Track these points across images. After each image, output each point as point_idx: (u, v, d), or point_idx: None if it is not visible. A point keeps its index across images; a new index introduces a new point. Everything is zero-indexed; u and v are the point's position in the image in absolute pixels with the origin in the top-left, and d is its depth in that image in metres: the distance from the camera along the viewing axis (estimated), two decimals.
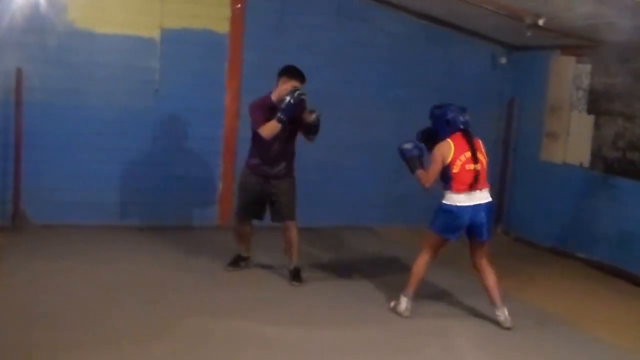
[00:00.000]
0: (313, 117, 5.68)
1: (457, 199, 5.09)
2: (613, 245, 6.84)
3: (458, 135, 5.13)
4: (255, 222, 6.08)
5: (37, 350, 4.23)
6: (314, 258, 6.62)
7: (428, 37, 8.08)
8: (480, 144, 5.23)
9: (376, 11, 7.86)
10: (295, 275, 5.94)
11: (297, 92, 5.54)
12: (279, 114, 5.52)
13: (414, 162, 5.34)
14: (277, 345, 4.60)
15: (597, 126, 7.11)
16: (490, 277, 5.21)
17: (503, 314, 5.15)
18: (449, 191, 5.12)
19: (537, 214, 7.93)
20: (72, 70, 6.97)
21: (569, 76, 7.48)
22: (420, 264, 5.29)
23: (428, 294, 5.78)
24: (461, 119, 5.18)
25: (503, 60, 8.33)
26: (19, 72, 6.77)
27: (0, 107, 6.78)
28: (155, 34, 7.17)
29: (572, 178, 7.44)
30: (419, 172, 5.30)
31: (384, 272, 6.39)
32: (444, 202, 5.15)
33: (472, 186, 5.07)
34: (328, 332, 4.88)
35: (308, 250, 6.68)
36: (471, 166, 5.09)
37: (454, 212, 5.10)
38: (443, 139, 5.15)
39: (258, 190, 5.88)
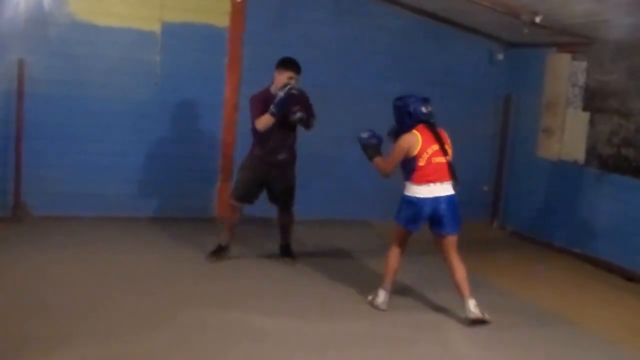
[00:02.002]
0: (294, 117, 5.82)
1: (418, 191, 5.07)
2: (608, 241, 6.89)
3: (423, 127, 5.07)
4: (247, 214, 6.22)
5: (34, 340, 4.26)
6: (308, 251, 6.66)
7: (425, 32, 8.12)
8: (445, 134, 5.18)
9: (374, 7, 7.90)
10: (286, 252, 6.28)
11: (288, 87, 5.70)
12: (271, 108, 5.69)
13: (372, 150, 5.32)
14: (271, 337, 4.64)
15: (592, 123, 7.16)
16: (458, 273, 5.08)
17: (468, 307, 5.01)
18: (409, 182, 5.10)
19: (533, 210, 7.99)
20: (73, 62, 7.01)
21: (565, 73, 7.52)
22: (392, 256, 5.31)
23: (420, 287, 5.82)
24: (423, 110, 5.07)
25: (500, 57, 8.36)
26: (20, 63, 6.81)
27: (2, 98, 6.82)
28: (156, 28, 7.21)
29: (567, 174, 7.49)
30: (378, 159, 5.28)
31: (378, 266, 6.41)
32: (405, 193, 5.14)
33: (434, 179, 5.04)
34: (322, 324, 4.93)
35: (302, 243, 6.72)
36: (440, 159, 5.06)
37: (414, 202, 5.08)
38: (407, 131, 5.08)
39: (260, 174, 6.03)
